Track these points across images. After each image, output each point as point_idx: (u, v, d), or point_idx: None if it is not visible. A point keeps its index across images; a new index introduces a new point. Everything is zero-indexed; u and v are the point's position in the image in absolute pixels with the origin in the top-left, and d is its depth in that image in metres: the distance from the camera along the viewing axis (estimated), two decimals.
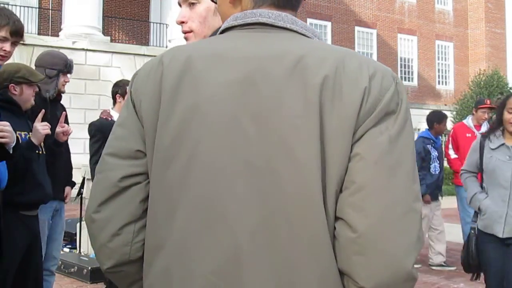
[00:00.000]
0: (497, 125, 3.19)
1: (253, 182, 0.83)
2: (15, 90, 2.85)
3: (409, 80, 24.69)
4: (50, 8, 17.17)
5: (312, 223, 0.81)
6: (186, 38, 1.52)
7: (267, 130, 0.83)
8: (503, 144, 3.09)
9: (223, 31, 0.96)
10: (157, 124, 0.90)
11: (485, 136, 3.25)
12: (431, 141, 5.72)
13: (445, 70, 26.12)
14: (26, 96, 2.89)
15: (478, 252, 3.18)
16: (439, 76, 25.87)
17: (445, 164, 6.11)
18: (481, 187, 3.24)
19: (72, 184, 3.65)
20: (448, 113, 21.06)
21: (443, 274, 5.50)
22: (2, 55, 2.50)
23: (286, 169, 0.82)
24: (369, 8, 23.68)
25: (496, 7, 26.65)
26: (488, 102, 5.83)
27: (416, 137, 5.89)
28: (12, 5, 15.32)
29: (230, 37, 0.93)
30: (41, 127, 2.75)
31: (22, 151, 2.62)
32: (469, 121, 5.85)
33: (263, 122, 0.83)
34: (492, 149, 3.12)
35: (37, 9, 16.92)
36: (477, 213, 3.22)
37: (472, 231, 3.24)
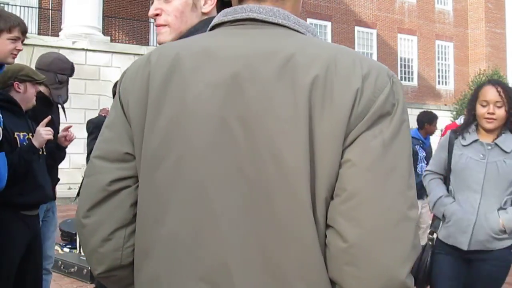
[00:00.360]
0: (471, 120, 2.70)
1: (242, 188, 0.80)
2: (19, 88, 2.87)
3: (409, 80, 24.69)
4: (50, 8, 17.17)
5: (302, 230, 0.78)
6: (159, 33, 1.44)
7: (255, 133, 0.79)
8: (476, 141, 2.62)
9: (213, 27, 0.93)
10: (144, 125, 0.87)
11: (456, 131, 2.75)
12: (420, 141, 5.78)
13: (445, 70, 26.11)
14: (29, 94, 2.92)
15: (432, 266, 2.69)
16: (439, 76, 25.87)
17: None
18: (448, 190, 2.73)
19: (57, 181, 3.64)
20: (448, 113, 21.00)
21: None
22: (15, 54, 2.60)
23: (274, 174, 0.78)
24: (369, 8, 23.68)
25: (496, 7, 26.65)
26: None
27: None
28: (12, 5, 15.32)
29: (220, 34, 0.90)
30: (44, 132, 2.75)
31: (23, 154, 2.64)
32: (461, 121, 5.84)
33: (251, 124, 0.79)
34: (464, 145, 2.64)
35: (37, 9, 16.91)
36: (439, 221, 2.71)
37: (430, 242, 2.71)
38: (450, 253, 2.62)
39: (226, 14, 0.90)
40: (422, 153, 5.74)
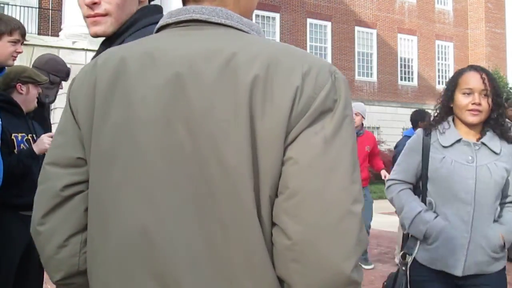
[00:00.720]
0: (444, 114, 2.22)
1: (188, 190, 0.80)
2: (22, 90, 2.89)
3: (409, 80, 24.69)
4: (50, 8, 17.16)
5: (246, 230, 0.78)
6: (96, 23, 1.32)
7: (198, 135, 0.79)
8: (459, 140, 2.13)
9: (158, 30, 0.93)
10: (92, 129, 0.88)
11: (427, 130, 2.23)
12: None
13: (445, 70, 26.11)
14: (31, 96, 2.93)
15: None
16: (439, 76, 25.86)
17: None
18: (424, 202, 2.20)
19: None
20: None
21: None
22: (15, 56, 2.65)
23: (217, 175, 0.78)
24: (369, 8, 23.68)
25: (496, 7, 26.64)
26: None
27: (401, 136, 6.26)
28: (12, 5, 15.32)
29: (164, 36, 0.90)
30: (47, 141, 2.75)
31: (22, 158, 2.66)
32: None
33: (194, 126, 0.80)
34: (444, 146, 2.13)
35: (37, 9, 16.91)
36: (414, 241, 2.17)
37: (403, 267, 2.18)
38: (436, 280, 2.11)
39: (170, 16, 0.91)
40: None
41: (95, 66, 0.91)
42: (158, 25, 0.93)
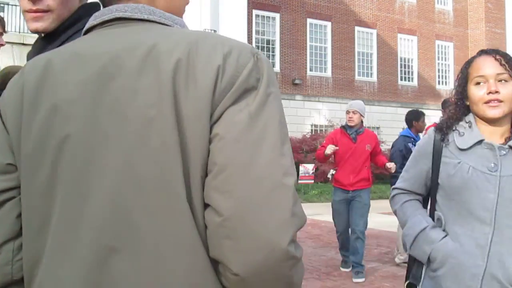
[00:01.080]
0: (461, 114, 1.78)
1: (116, 182, 0.79)
2: None
3: (409, 80, 24.69)
4: None
5: (175, 215, 0.78)
6: (37, 18, 1.27)
7: (124, 125, 0.80)
8: (480, 142, 1.67)
9: (85, 33, 0.94)
10: (21, 133, 0.87)
11: (442, 129, 1.78)
12: (412, 139, 5.97)
13: (445, 70, 26.12)
14: None
15: None
16: (439, 76, 25.87)
17: None
18: (432, 218, 1.78)
19: None
20: None
21: None
22: None
23: (143, 162, 0.78)
24: (369, 8, 23.68)
25: (496, 7, 26.65)
26: None
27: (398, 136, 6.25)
28: (12, 5, 15.31)
29: (90, 37, 0.91)
30: None
31: None
32: None
33: (120, 117, 0.80)
34: (462, 149, 1.69)
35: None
36: (420, 267, 1.76)
37: None
38: None
39: (95, 18, 0.92)
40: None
41: (22, 73, 0.92)
42: (84, 28, 0.94)
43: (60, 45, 1.27)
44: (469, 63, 1.79)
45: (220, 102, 0.79)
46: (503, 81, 1.67)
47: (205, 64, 0.80)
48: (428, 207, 1.85)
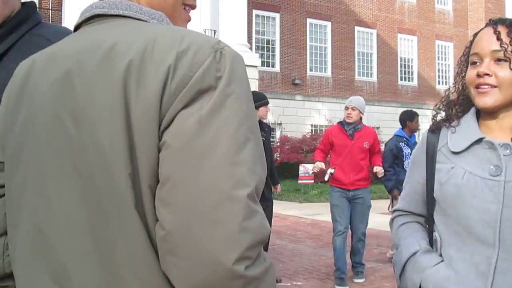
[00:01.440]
0: (465, 107, 1.40)
1: (78, 185, 0.77)
2: None
3: (409, 80, 24.69)
4: (50, 8, 17.15)
5: (126, 224, 0.74)
6: None
7: (83, 127, 0.77)
8: (479, 141, 1.29)
9: (75, 31, 0.93)
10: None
11: (434, 130, 1.43)
12: (404, 139, 6.03)
13: (445, 70, 26.12)
14: None
15: None
16: (439, 76, 25.87)
17: None
18: (431, 240, 1.40)
19: None
20: None
21: None
22: None
23: (98, 168, 0.75)
24: (369, 8, 23.68)
25: (496, 7, 26.65)
26: None
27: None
28: None
29: (72, 36, 0.90)
30: None
31: None
32: None
33: (80, 119, 0.78)
34: (455, 152, 1.32)
35: (37, 9, 16.91)
36: None
37: None
38: None
39: (80, 15, 0.91)
40: (407, 150, 5.99)
41: (14, 73, 0.92)
42: (73, 27, 0.94)
43: (11, 46, 1.28)
44: (473, 39, 1.38)
45: (171, 106, 0.73)
46: (499, 60, 1.27)
47: (157, 64, 0.74)
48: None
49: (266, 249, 5.21)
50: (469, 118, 1.36)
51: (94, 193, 0.76)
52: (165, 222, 0.71)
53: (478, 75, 1.28)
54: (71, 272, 0.78)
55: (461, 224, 1.27)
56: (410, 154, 5.93)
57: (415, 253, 1.37)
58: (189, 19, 0.97)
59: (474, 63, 1.33)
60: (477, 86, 1.30)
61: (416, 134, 6.26)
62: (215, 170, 0.71)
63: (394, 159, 5.87)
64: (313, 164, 5.50)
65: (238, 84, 0.76)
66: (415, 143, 6.14)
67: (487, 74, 1.28)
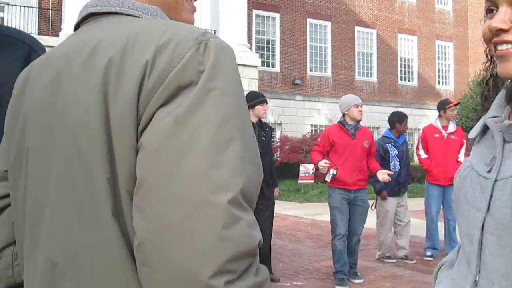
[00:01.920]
0: (492, 87, 0.99)
1: (65, 191, 0.74)
2: None
3: (409, 80, 24.68)
4: (50, 8, 17.16)
5: (105, 233, 0.70)
6: None
7: (68, 132, 0.74)
8: (493, 124, 0.91)
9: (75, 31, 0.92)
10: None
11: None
12: (391, 140, 6.09)
13: (445, 70, 26.11)
14: None
15: None
16: (439, 76, 25.86)
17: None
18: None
19: None
20: None
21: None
22: None
23: (80, 174, 0.72)
24: (369, 8, 23.67)
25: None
26: (452, 100, 6.48)
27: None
28: (12, 5, 15.32)
29: (69, 37, 0.87)
30: None
31: None
32: (437, 122, 6.32)
33: (65, 123, 0.74)
34: (473, 140, 0.99)
35: (37, 9, 16.90)
36: None
37: None
38: None
39: (78, 14, 0.88)
40: (393, 151, 6.05)
41: (16, 82, 0.91)
42: (74, 28, 0.91)
43: None
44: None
45: (148, 105, 0.68)
46: None
47: (135, 61, 0.69)
48: None
49: (268, 250, 5.19)
50: (500, 94, 0.97)
51: (76, 200, 0.73)
52: (138, 230, 0.66)
53: (494, 30, 0.87)
54: (57, 280, 0.76)
55: (461, 228, 0.96)
56: (398, 156, 6.01)
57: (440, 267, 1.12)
58: (194, 10, 0.92)
59: (490, 10, 0.90)
60: (495, 41, 0.88)
61: (405, 135, 6.32)
62: (191, 174, 0.65)
63: (381, 160, 5.91)
64: (312, 164, 5.48)
65: (223, 78, 0.70)
66: (404, 144, 6.21)
67: (502, 30, 0.86)
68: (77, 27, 0.89)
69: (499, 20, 0.86)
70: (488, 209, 0.87)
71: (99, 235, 0.71)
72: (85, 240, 0.72)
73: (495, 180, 0.87)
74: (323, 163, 5.03)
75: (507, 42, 0.86)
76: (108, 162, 0.70)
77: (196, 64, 0.68)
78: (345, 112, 5.24)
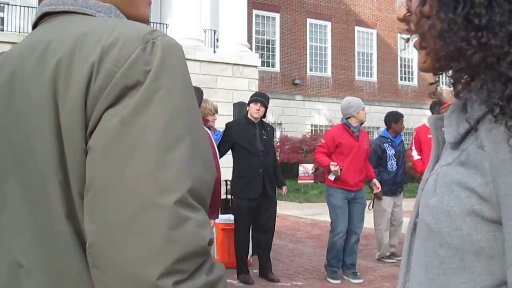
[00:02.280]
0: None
1: (23, 195, 0.73)
2: None
3: (409, 80, 24.69)
4: None
5: (59, 234, 0.70)
6: None
7: (22, 134, 0.73)
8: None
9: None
10: None
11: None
12: (388, 140, 6.11)
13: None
14: None
15: None
16: (439, 76, 25.86)
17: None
18: None
19: None
20: None
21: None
22: None
23: (33, 175, 0.72)
24: (369, 8, 23.68)
25: None
26: (445, 101, 6.53)
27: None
28: (12, 5, 15.31)
29: (26, 37, 0.86)
30: None
31: None
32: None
33: (20, 125, 0.73)
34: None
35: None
36: None
37: None
38: None
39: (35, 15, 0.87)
40: (391, 151, 6.06)
41: None
42: (32, 27, 0.89)
43: None
44: None
45: (95, 107, 0.67)
46: None
47: (82, 62, 0.69)
48: None
49: (269, 249, 5.23)
50: None
51: (31, 202, 0.73)
52: (88, 232, 0.67)
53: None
54: (22, 283, 0.75)
55: None
56: (395, 155, 6.03)
57: None
58: (149, 2, 0.92)
59: None
60: None
61: (402, 135, 6.34)
62: (137, 175, 0.65)
63: (378, 160, 5.95)
64: (312, 164, 5.50)
65: (170, 77, 0.69)
66: (401, 144, 6.23)
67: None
68: (34, 26, 0.87)
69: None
70: (418, 208, 0.82)
71: (54, 237, 0.71)
72: (43, 241, 0.72)
73: (426, 180, 0.82)
74: (336, 168, 5.05)
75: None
76: (59, 164, 0.70)
77: (142, 64, 0.68)
78: (354, 115, 5.25)
